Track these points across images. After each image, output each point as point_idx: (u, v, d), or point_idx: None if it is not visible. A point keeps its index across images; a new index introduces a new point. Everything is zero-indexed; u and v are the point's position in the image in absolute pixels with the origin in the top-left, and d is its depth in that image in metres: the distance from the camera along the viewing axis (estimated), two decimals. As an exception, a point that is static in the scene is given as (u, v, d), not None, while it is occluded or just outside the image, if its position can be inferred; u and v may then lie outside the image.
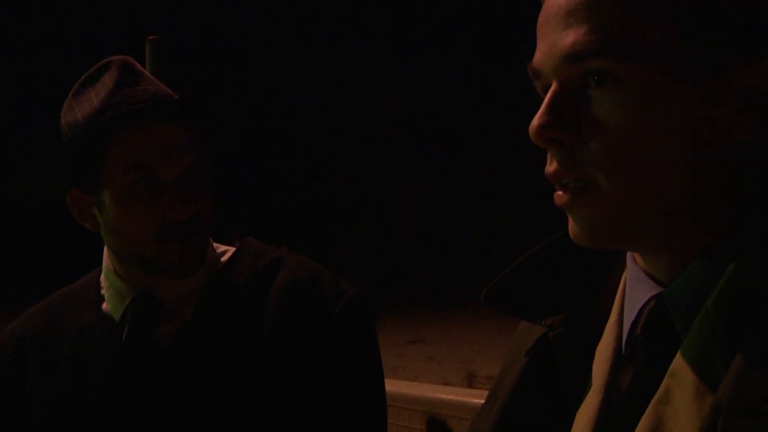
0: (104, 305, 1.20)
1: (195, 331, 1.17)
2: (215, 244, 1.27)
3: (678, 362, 0.64)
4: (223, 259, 1.25)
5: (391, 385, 1.93)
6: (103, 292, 1.22)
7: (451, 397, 1.79)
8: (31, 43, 17.01)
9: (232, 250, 1.28)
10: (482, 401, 0.87)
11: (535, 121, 0.66)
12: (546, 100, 0.66)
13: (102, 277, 1.23)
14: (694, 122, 0.62)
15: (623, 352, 0.72)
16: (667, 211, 0.65)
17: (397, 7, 16.91)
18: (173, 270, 1.14)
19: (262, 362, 1.15)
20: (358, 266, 19.13)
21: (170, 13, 15.58)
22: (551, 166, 0.67)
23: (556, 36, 0.66)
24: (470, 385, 6.70)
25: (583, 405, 0.73)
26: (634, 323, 0.70)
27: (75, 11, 16.55)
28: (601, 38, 0.62)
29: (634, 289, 0.72)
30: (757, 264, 0.63)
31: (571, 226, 0.70)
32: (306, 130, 18.30)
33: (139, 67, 1.17)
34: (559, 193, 0.68)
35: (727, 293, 0.63)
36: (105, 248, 1.21)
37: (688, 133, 0.63)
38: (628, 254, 0.74)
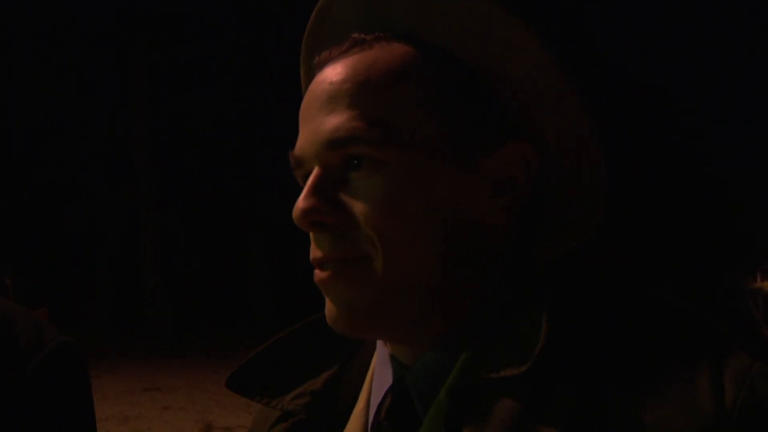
0: None
1: None
2: None
3: None
4: None
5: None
6: None
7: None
8: None
9: None
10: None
11: (300, 203, 0.63)
12: (309, 183, 0.64)
13: None
14: (450, 204, 0.63)
15: None
16: (421, 292, 0.63)
17: (159, 42, 16.43)
18: None
19: None
20: (96, 305, 17.97)
21: None
22: (318, 252, 0.65)
23: (318, 122, 0.64)
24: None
25: None
26: (380, 407, 0.67)
27: None
28: (363, 125, 0.62)
29: (382, 373, 0.69)
30: (484, 354, 0.62)
31: (329, 308, 0.66)
32: (49, 156, 17.03)
33: None
34: (319, 272, 0.65)
35: (457, 383, 0.61)
36: None
37: (444, 214, 0.63)
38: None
